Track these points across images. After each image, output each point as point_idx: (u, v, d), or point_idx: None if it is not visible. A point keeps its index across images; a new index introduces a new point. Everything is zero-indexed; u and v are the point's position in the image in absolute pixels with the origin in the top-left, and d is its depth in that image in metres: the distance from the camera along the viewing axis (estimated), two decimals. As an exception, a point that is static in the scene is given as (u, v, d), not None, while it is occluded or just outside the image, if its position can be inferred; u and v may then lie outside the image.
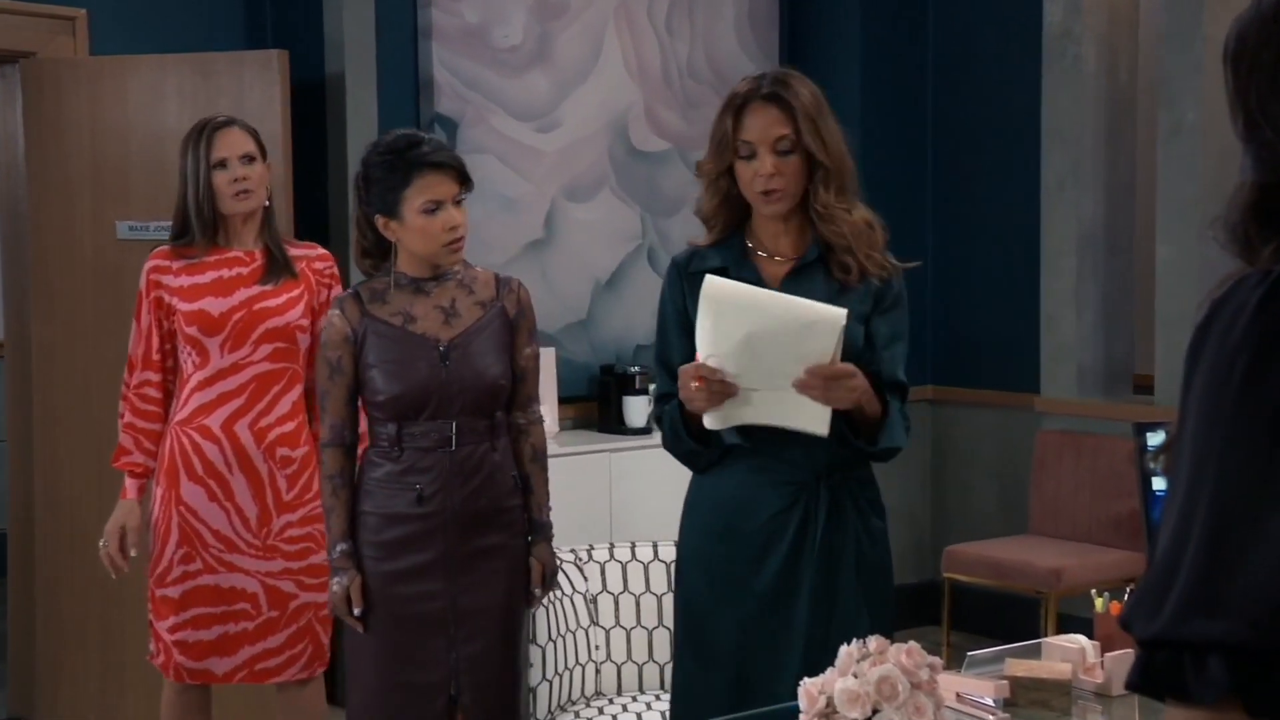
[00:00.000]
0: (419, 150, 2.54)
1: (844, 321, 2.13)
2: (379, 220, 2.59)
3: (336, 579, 2.60)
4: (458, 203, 2.57)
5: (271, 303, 3.00)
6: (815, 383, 2.15)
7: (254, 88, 4.16)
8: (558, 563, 2.78)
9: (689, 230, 5.35)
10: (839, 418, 2.22)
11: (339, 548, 2.61)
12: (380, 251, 2.64)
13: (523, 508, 2.68)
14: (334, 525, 2.62)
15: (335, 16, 4.39)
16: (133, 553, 3.02)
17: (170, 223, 3.08)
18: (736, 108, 2.29)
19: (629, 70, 5.04)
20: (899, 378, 2.31)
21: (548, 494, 2.73)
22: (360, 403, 2.67)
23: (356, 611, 2.59)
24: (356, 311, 2.60)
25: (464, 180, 2.58)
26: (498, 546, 2.64)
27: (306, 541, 3.04)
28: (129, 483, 3.03)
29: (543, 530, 2.70)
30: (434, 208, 2.54)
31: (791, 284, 2.31)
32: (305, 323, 3.03)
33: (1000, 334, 5.14)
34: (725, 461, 2.36)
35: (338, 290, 3.10)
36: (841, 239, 2.29)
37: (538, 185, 4.86)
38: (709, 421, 2.26)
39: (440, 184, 2.54)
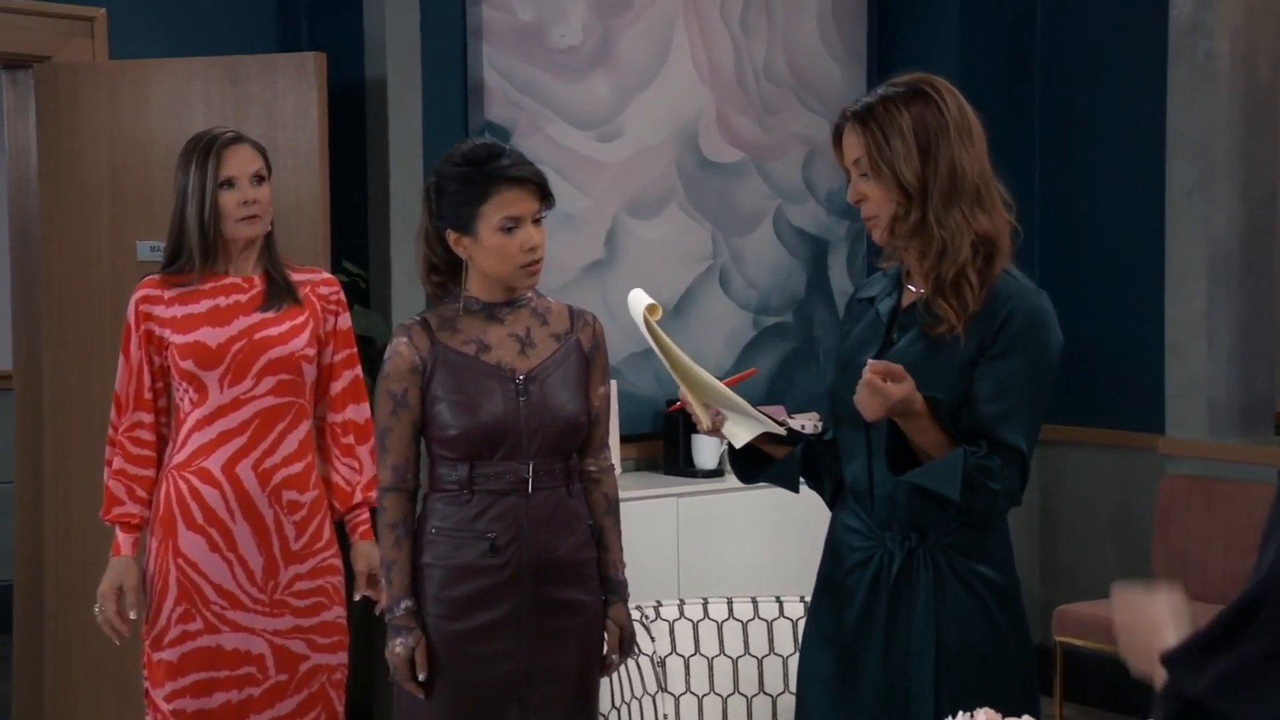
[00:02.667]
0: (499, 163, 2.55)
1: (641, 305, 2.22)
2: (450, 236, 2.60)
3: (400, 640, 2.56)
4: (537, 221, 2.59)
5: (273, 331, 2.97)
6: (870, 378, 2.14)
7: (288, 94, 4.17)
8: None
9: (765, 250, 5.38)
10: (892, 439, 2.20)
11: (403, 605, 2.58)
12: (450, 269, 2.65)
13: (596, 563, 2.69)
14: (396, 580, 2.59)
15: (376, 15, 4.40)
16: (132, 615, 2.97)
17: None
18: (837, 128, 2.31)
19: (699, 73, 5.01)
20: (1004, 438, 2.18)
21: (622, 549, 2.73)
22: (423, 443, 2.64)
23: (421, 676, 2.56)
24: (426, 340, 2.60)
25: (545, 196, 2.59)
26: (574, 604, 2.64)
27: (318, 596, 2.99)
28: (122, 537, 2.99)
29: (618, 589, 2.71)
30: (512, 225, 2.55)
31: (900, 322, 2.30)
32: (311, 352, 3.00)
33: (1119, 366, 5.04)
34: (838, 503, 2.40)
35: (345, 318, 3.08)
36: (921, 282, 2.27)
37: (598, 200, 4.84)
38: (732, 438, 2.33)
39: (520, 200, 2.55)
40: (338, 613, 3.03)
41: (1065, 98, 5.21)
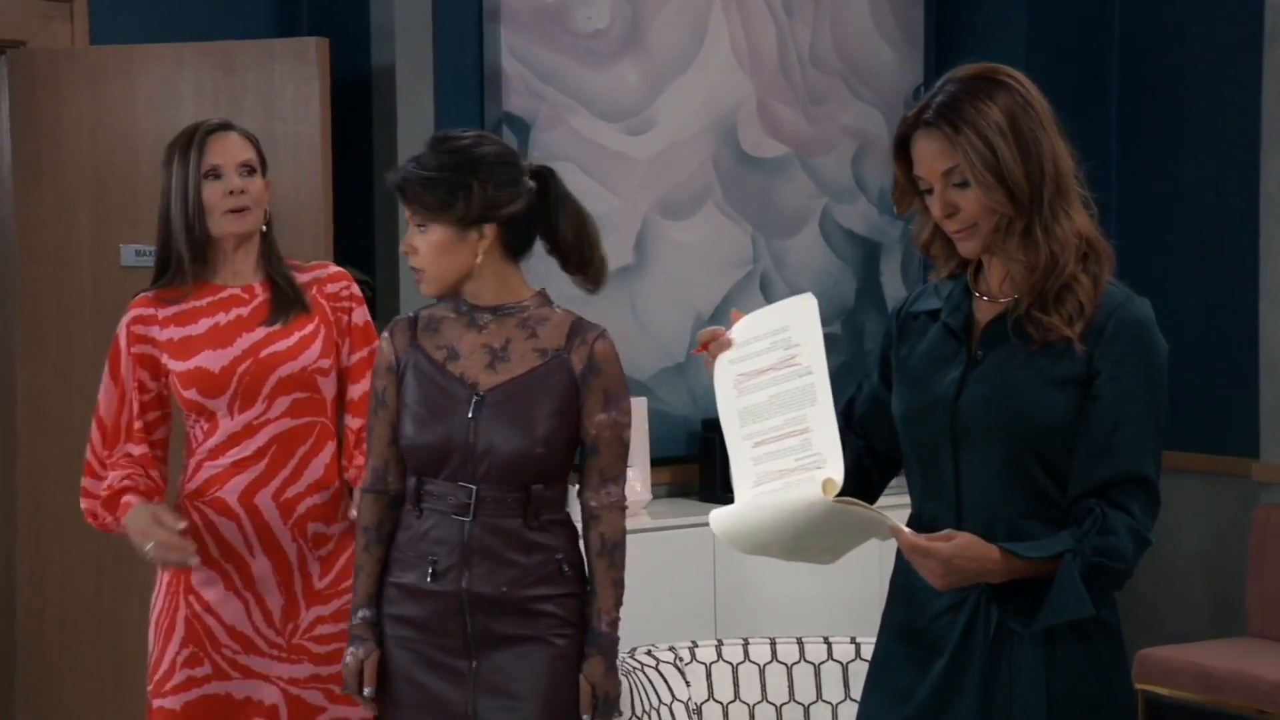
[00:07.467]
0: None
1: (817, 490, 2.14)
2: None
3: (351, 649, 2.68)
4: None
5: (281, 346, 2.96)
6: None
7: (287, 83, 4.20)
8: (623, 685, 2.74)
9: (809, 253, 5.38)
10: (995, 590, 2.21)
11: (361, 614, 2.69)
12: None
13: (566, 604, 2.65)
14: (360, 587, 2.70)
15: (384, -3, 4.44)
16: (181, 524, 2.82)
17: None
18: (902, 138, 2.28)
19: (739, 59, 5.03)
20: (1132, 470, 2.16)
21: (614, 599, 2.66)
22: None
23: (367, 691, 2.66)
24: (406, 339, 2.71)
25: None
26: (527, 642, 2.63)
27: (340, 641, 2.94)
28: (130, 499, 2.88)
29: (598, 642, 2.64)
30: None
31: (984, 337, 2.28)
32: (326, 364, 2.99)
33: (1208, 384, 5.03)
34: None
35: (360, 312, 3.08)
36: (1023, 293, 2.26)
37: (627, 200, 4.85)
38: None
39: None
40: None
41: (1146, 86, 5.20)
